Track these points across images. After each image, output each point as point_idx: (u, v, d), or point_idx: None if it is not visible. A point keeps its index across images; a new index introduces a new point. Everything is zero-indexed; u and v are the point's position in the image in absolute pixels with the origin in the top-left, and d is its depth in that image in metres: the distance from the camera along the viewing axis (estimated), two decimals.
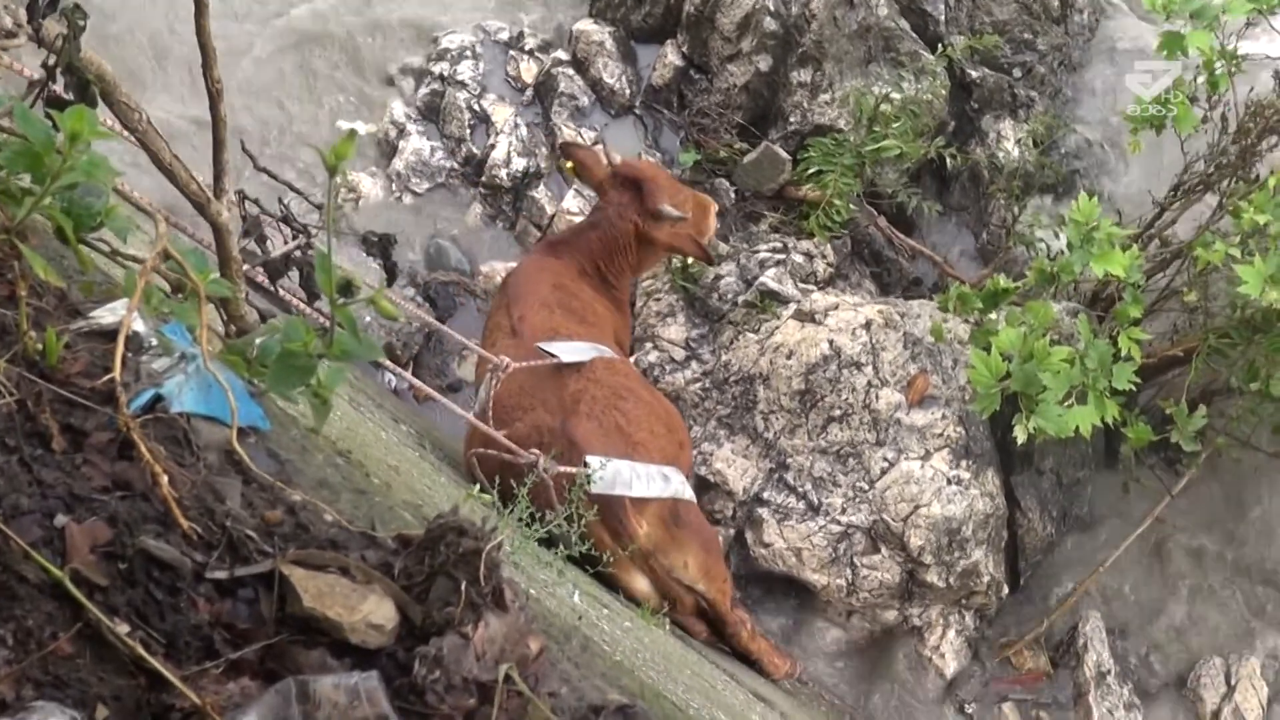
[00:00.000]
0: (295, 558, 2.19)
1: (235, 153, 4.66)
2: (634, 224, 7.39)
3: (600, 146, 8.63)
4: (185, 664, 1.99)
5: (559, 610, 3.62)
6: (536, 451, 5.82)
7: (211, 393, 2.52)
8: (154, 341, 2.62)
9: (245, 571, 2.15)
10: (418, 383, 6.18)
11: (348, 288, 2.66)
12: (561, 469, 5.76)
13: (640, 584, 6.22)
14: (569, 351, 6.52)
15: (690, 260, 8.50)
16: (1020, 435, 6.68)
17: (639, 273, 7.94)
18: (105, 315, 2.69)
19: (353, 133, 2.76)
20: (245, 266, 3.66)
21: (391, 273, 6.23)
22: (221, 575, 2.13)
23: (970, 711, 8.27)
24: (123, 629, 1.99)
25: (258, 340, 2.79)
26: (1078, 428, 6.72)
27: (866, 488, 7.87)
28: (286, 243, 5.37)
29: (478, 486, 5.72)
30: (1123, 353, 7.09)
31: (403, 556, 2.24)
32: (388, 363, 6.17)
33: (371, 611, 2.10)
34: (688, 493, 6.47)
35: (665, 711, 2.50)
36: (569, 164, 7.76)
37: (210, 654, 2.04)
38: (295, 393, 2.73)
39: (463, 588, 2.12)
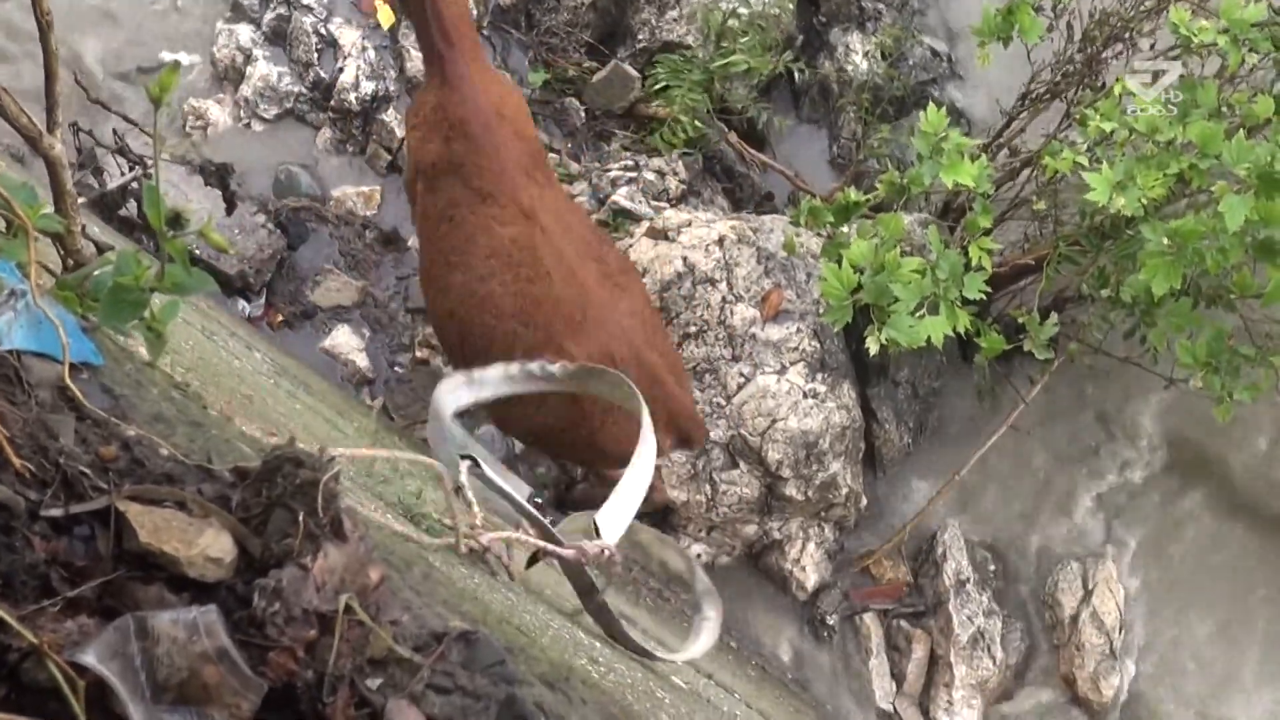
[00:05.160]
0: (131, 493, 2.16)
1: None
2: None
3: None
4: (21, 603, 1.96)
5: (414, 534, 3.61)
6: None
7: (42, 329, 2.47)
8: None
9: (81, 508, 2.12)
10: None
11: (177, 220, 2.63)
12: None
13: None
14: None
15: None
16: (872, 346, 6.73)
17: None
18: None
19: (176, 64, 2.73)
20: (82, 200, 3.61)
21: (231, 202, 6.17)
22: (56, 513, 2.10)
23: (831, 623, 8.38)
24: None
25: (92, 274, 2.76)
26: (930, 338, 6.79)
27: (723, 403, 7.91)
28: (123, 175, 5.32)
29: None
30: (974, 263, 7.15)
31: (240, 489, 2.22)
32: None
33: (209, 545, 2.08)
34: None
35: (508, 636, 2.50)
36: None
37: (47, 592, 2.01)
38: (130, 327, 2.70)
39: (300, 519, 2.11)
